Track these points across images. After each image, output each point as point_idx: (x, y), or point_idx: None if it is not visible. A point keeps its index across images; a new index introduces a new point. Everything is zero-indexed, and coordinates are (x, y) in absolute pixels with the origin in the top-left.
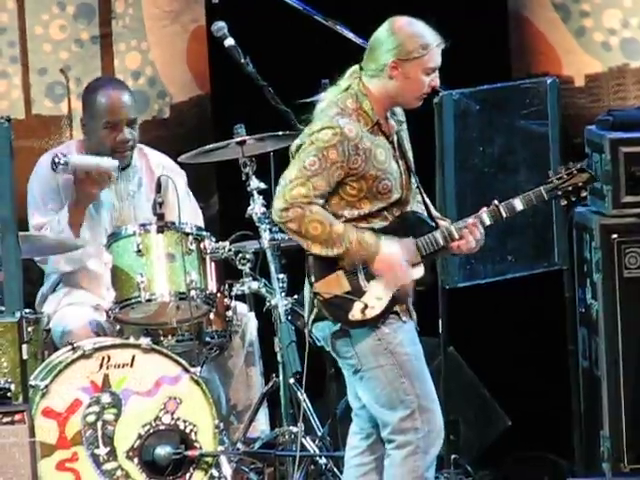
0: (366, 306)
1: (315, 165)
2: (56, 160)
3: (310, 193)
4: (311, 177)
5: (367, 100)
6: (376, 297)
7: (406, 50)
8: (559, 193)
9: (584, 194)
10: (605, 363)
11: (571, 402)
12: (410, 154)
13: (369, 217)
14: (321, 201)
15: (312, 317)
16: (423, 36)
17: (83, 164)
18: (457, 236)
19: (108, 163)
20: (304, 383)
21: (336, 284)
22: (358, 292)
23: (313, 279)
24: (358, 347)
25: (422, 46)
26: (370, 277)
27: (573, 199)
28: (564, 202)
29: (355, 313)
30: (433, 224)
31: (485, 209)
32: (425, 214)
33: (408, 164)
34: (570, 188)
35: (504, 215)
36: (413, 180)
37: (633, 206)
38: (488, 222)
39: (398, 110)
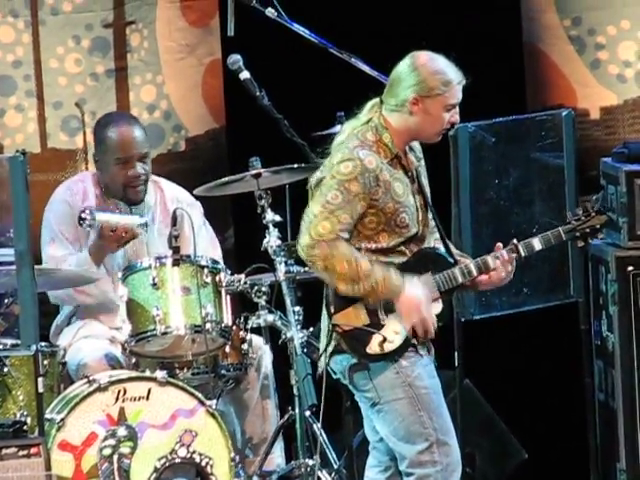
0: (384, 339)
1: (338, 199)
2: (82, 216)
3: (335, 227)
4: (335, 211)
5: (387, 133)
6: (394, 331)
7: (428, 87)
8: (577, 235)
9: (601, 236)
10: (621, 395)
11: (587, 435)
12: (427, 190)
13: (388, 252)
14: (347, 235)
15: (330, 349)
16: (445, 73)
17: (110, 221)
18: (493, 265)
19: (134, 220)
20: (321, 415)
21: (355, 317)
22: (377, 325)
23: (332, 310)
24: (376, 380)
25: (444, 83)
26: (389, 311)
27: (590, 241)
28: (581, 243)
29: (373, 346)
30: (452, 260)
31: (504, 248)
32: (444, 250)
33: (425, 200)
34: (588, 230)
35: (522, 254)
36: (430, 216)
37: None
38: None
39: (416, 146)
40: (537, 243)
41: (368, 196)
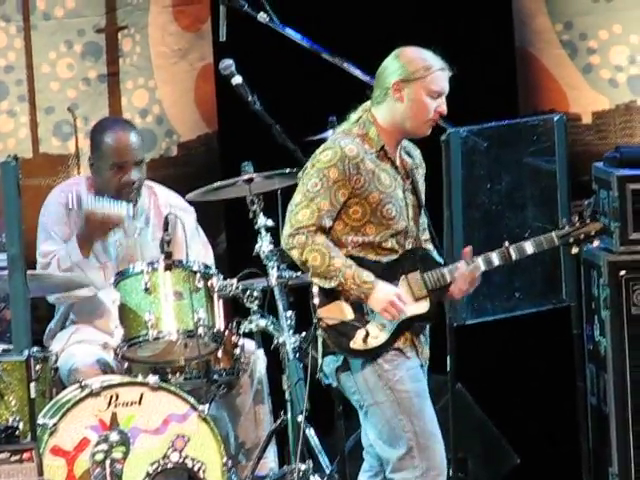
0: (367, 334)
1: (317, 186)
2: (70, 204)
3: (314, 215)
4: (314, 198)
5: (373, 127)
6: (379, 327)
7: (408, 71)
8: (570, 240)
9: (595, 243)
10: (613, 400)
11: (580, 439)
12: (422, 196)
13: (378, 248)
14: (328, 223)
15: (320, 349)
16: (425, 59)
17: (96, 209)
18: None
19: (120, 209)
20: (303, 414)
21: (339, 311)
22: (361, 321)
23: (317, 304)
24: (359, 383)
25: (424, 67)
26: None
27: (584, 248)
28: (575, 250)
29: (357, 341)
30: (441, 261)
31: (495, 250)
32: (433, 250)
33: (419, 201)
34: (582, 236)
35: (514, 257)
36: (422, 220)
37: None
38: (497, 263)
39: (417, 155)
40: (529, 247)
41: (349, 184)
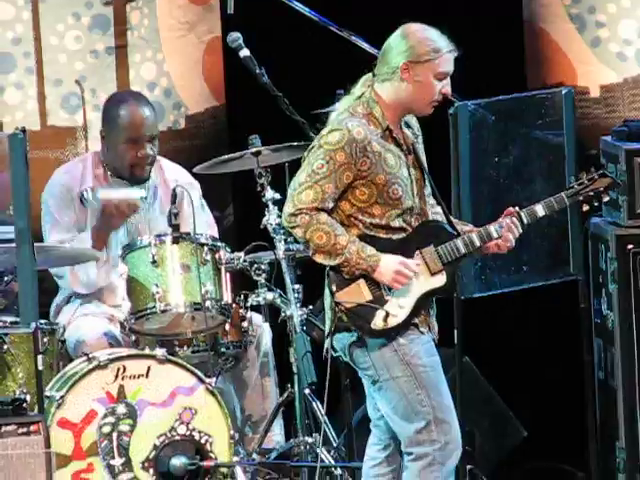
0: (388, 314)
1: (323, 168)
2: (85, 195)
3: (318, 197)
4: (319, 180)
5: (378, 106)
6: (399, 305)
7: (418, 53)
8: (580, 198)
9: (606, 199)
10: (621, 374)
11: (587, 413)
12: (425, 165)
13: (387, 228)
14: (331, 204)
15: (332, 328)
16: (435, 40)
17: (112, 197)
18: (496, 235)
19: (135, 194)
20: (325, 394)
21: (358, 293)
22: (380, 301)
23: (334, 288)
24: (375, 358)
25: (434, 49)
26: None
27: (595, 204)
28: (586, 207)
29: (377, 321)
30: (454, 232)
31: (507, 217)
32: (445, 222)
33: (423, 174)
34: (592, 193)
35: (525, 221)
36: (428, 191)
37: None
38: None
39: (414, 123)
40: (540, 209)
41: (354, 167)
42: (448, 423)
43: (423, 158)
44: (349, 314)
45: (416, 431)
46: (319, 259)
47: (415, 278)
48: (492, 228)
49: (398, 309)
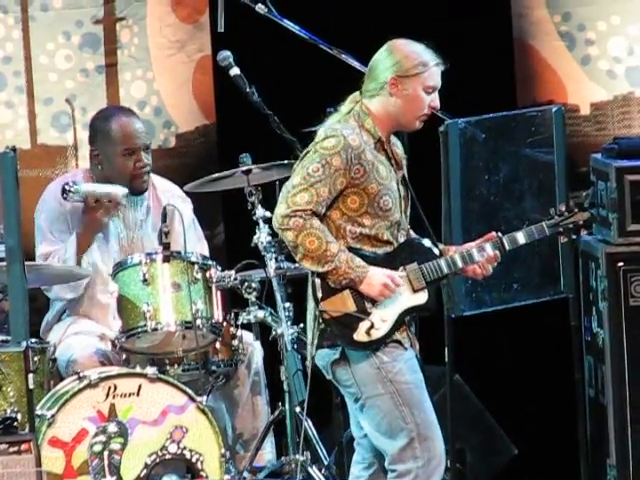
0: (372, 326)
1: (319, 172)
2: (67, 188)
3: (313, 199)
4: (315, 184)
5: (369, 119)
6: (381, 319)
7: (405, 67)
8: (560, 230)
9: (584, 233)
10: (611, 391)
11: (577, 430)
12: (410, 187)
13: (374, 240)
14: (323, 210)
15: (315, 342)
16: (422, 54)
17: (94, 192)
18: (478, 259)
19: (118, 190)
20: (305, 406)
21: (342, 303)
22: (363, 313)
23: (320, 296)
24: (357, 376)
25: (421, 63)
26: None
27: (573, 237)
28: (564, 239)
29: (361, 333)
30: (437, 252)
31: (489, 240)
32: (429, 242)
33: (409, 193)
34: (571, 225)
35: (507, 247)
36: (409, 211)
37: (639, 234)
38: (491, 253)
39: (399, 145)
40: (521, 237)
41: (348, 173)
42: (432, 439)
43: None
44: (332, 323)
45: (399, 448)
46: (307, 264)
47: (399, 293)
48: (475, 251)
49: (381, 322)
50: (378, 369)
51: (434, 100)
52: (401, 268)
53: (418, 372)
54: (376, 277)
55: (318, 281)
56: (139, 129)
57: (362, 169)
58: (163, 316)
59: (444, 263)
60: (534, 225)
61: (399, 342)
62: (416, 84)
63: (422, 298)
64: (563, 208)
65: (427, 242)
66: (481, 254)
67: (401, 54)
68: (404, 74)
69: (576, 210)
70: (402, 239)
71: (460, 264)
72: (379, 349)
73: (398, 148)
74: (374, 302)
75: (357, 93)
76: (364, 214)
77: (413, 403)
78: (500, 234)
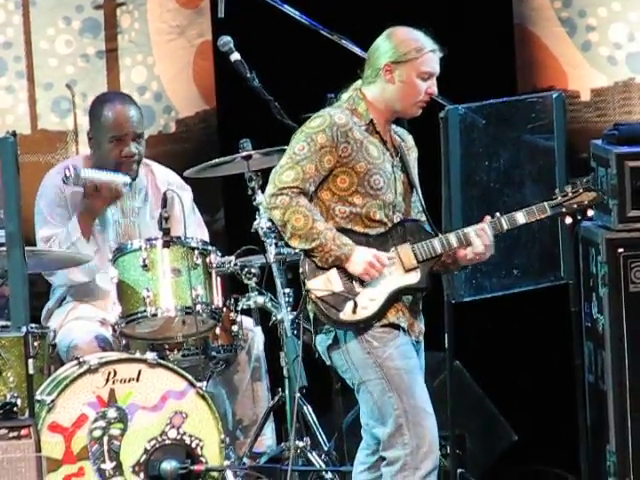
0: (356, 305)
1: (304, 150)
2: (67, 173)
3: (299, 176)
4: (300, 161)
5: (363, 103)
6: (369, 298)
7: (400, 52)
8: (563, 210)
9: (590, 213)
10: (611, 377)
11: (577, 417)
12: (415, 178)
13: (366, 219)
14: (312, 188)
15: (299, 313)
16: (417, 40)
17: (94, 178)
18: (464, 241)
19: (118, 179)
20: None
21: (329, 282)
22: (351, 293)
23: (307, 275)
24: (350, 361)
25: (416, 49)
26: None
27: (579, 217)
28: (569, 220)
29: (347, 311)
30: (432, 232)
31: (487, 220)
32: (425, 222)
33: (410, 181)
34: (575, 206)
35: (505, 227)
36: (414, 198)
37: (639, 220)
38: (489, 233)
39: (408, 138)
40: (520, 217)
41: (335, 151)
42: (422, 426)
43: (414, 172)
44: (319, 302)
45: (388, 435)
46: (294, 243)
47: (388, 273)
48: (471, 231)
49: (368, 302)
50: (369, 354)
51: (431, 86)
52: (393, 248)
53: (411, 358)
54: (362, 255)
55: (306, 260)
56: (131, 117)
57: (349, 147)
58: (163, 301)
59: (438, 243)
60: (535, 205)
61: (391, 325)
62: (411, 70)
63: (414, 278)
64: (568, 189)
65: (423, 223)
66: (477, 233)
67: (397, 40)
68: (398, 60)
69: (581, 190)
70: (398, 220)
71: (455, 244)
72: (369, 333)
73: (404, 141)
74: (363, 282)
75: (359, 82)
76: (354, 193)
77: (402, 389)
78: (499, 214)
